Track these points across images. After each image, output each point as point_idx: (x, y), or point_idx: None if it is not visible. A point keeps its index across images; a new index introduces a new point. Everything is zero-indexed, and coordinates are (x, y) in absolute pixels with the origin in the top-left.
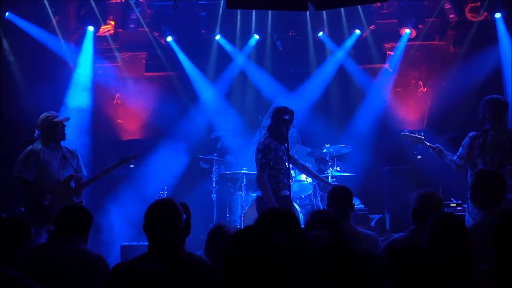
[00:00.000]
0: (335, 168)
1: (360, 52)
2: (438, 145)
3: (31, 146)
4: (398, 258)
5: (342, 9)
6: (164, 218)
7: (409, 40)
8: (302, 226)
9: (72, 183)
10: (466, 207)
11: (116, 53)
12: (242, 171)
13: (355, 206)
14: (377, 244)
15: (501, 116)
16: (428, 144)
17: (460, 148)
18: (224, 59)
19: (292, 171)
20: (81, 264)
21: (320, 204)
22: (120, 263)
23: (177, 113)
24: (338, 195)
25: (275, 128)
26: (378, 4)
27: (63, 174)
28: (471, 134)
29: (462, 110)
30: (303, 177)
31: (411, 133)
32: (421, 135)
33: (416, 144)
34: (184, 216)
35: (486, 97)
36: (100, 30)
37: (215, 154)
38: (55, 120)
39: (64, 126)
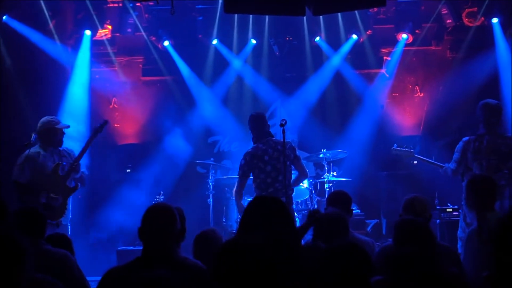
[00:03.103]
0: (331, 173)
1: (357, 57)
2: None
3: (28, 150)
4: (389, 264)
5: (339, 14)
6: (161, 223)
7: (406, 45)
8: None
9: (60, 171)
10: (461, 212)
11: (113, 57)
12: None
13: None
14: (374, 251)
15: (495, 120)
16: (419, 157)
17: (455, 153)
18: (221, 63)
19: None
20: (48, 264)
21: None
22: (113, 268)
23: (174, 117)
24: (337, 199)
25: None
26: (375, 9)
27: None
28: (464, 138)
29: (459, 116)
30: None
31: (400, 147)
32: (411, 149)
33: (407, 157)
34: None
35: (481, 102)
36: (97, 34)
37: (211, 159)
38: (56, 126)
39: (63, 133)
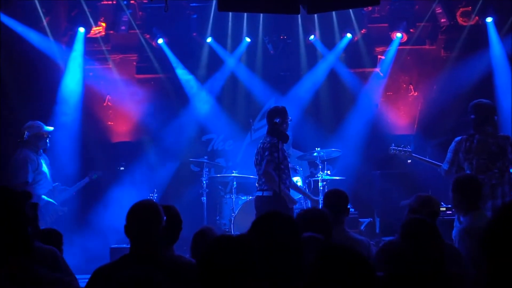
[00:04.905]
0: (325, 171)
1: (351, 56)
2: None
3: (25, 151)
4: (394, 261)
5: (334, 12)
6: (144, 220)
7: (400, 44)
8: None
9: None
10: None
11: (107, 55)
12: (233, 174)
13: None
14: (369, 250)
15: (487, 120)
16: (417, 156)
17: (447, 153)
18: (215, 61)
19: None
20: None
21: (310, 207)
22: (102, 266)
23: (168, 115)
24: (334, 198)
25: (276, 129)
26: (370, 8)
27: (51, 180)
28: (457, 138)
29: (452, 115)
30: (293, 179)
31: (398, 146)
32: (408, 148)
33: (406, 158)
34: (165, 217)
35: (472, 102)
36: (91, 31)
37: (205, 157)
38: (42, 131)
39: (48, 136)
